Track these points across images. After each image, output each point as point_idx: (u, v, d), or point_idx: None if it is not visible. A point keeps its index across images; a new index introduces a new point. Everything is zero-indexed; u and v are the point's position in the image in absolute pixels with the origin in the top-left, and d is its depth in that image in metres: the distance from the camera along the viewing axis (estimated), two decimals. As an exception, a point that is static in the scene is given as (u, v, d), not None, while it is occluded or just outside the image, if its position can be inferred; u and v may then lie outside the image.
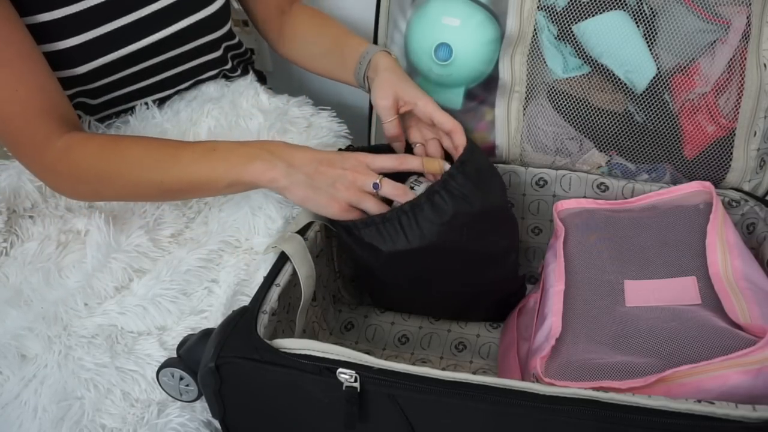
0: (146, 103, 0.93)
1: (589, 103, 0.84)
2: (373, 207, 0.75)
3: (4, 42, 0.75)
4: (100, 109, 0.92)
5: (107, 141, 0.80)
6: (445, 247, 0.75)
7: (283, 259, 0.73)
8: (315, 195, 0.75)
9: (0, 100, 0.75)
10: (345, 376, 0.58)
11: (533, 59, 0.85)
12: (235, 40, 1.01)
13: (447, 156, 0.85)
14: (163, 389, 0.68)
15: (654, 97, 0.81)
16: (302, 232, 0.78)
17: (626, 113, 0.83)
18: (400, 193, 0.76)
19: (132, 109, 0.93)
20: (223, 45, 0.98)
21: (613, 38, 0.79)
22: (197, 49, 0.93)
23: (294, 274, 0.73)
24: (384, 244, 0.75)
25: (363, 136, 1.00)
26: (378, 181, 0.75)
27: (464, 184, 0.75)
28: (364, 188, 0.75)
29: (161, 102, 0.95)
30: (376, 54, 0.88)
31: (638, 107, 0.82)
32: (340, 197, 0.75)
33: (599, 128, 0.84)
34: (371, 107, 0.95)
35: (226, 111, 0.93)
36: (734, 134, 0.80)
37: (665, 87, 0.80)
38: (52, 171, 0.79)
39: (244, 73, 1.04)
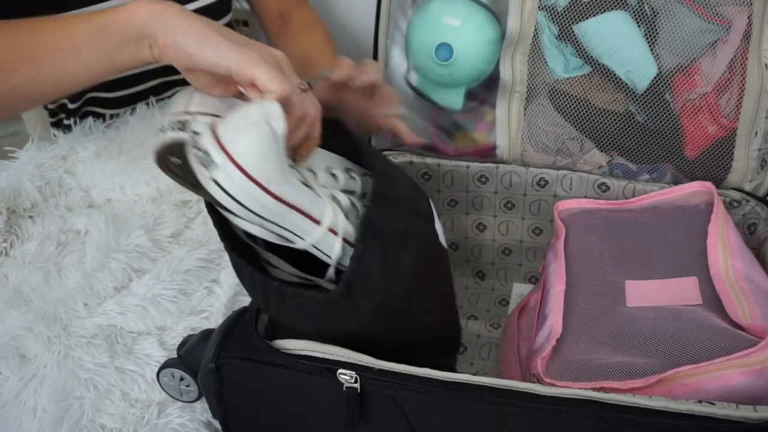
0: (147, 103, 0.93)
1: (590, 103, 0.84)
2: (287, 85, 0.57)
3: None
4: (118, 104, 0.91)
5: None
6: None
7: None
8: (217, 36, 0.57)
9: None
10: (345, 376, 0.58)
11: (534, 59, 0.85)
12: None
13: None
14: (163, 389, 0.68)
15: (655, 97, 0.80)
16: None
17: (627, 113, 0.83)
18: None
19: (133, 109, 0.93)
20: None
21: (614, 38, 0.79)
22: None
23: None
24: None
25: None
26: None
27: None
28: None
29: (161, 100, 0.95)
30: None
31: (639, 107, 0.82)
32: (254, 55, 0.56)
33: (600, 128, 0.84)
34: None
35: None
36: (735, 134, 0.80)
37: (666, 87, 0.80)
38: None
39: None
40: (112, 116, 0.94)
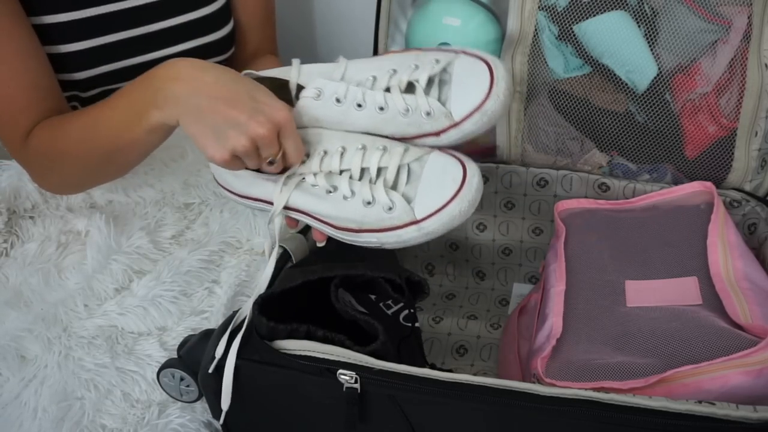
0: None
1: (590, 103, 0.84)
2: (255, 167, 0.67)
3: (6, 38, 0.76)
4: None
5: (53, 121, 0.78)
6: None
7: (283, 259, 0.73)
8: (202, 130, 0.64)
9: None
10: (345, 377, 0.58)
11: (534, 59, 0.85)
12: None
13: None
14: (163, 390, 0.68)
15: (655, 97, 0.80)
16: (304, 231, 0.77)
17: (627, 113, 0.83)
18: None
19: None
20: None
21: (614, 38, 0.79)
22: None
23: None
24: None
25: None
26: (278, 158, 0.66)
27: None
28: (258, 150, 0.65)
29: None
30: None
31: (639, 107, 0.82)
32: (228, 145, 0.64)
33: (600, 128, 0.84)
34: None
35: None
36: (735, 134, 0.80)
37: (666, 87, 0.80)
38: (28, 165, 0.82)
39: None
40: None
